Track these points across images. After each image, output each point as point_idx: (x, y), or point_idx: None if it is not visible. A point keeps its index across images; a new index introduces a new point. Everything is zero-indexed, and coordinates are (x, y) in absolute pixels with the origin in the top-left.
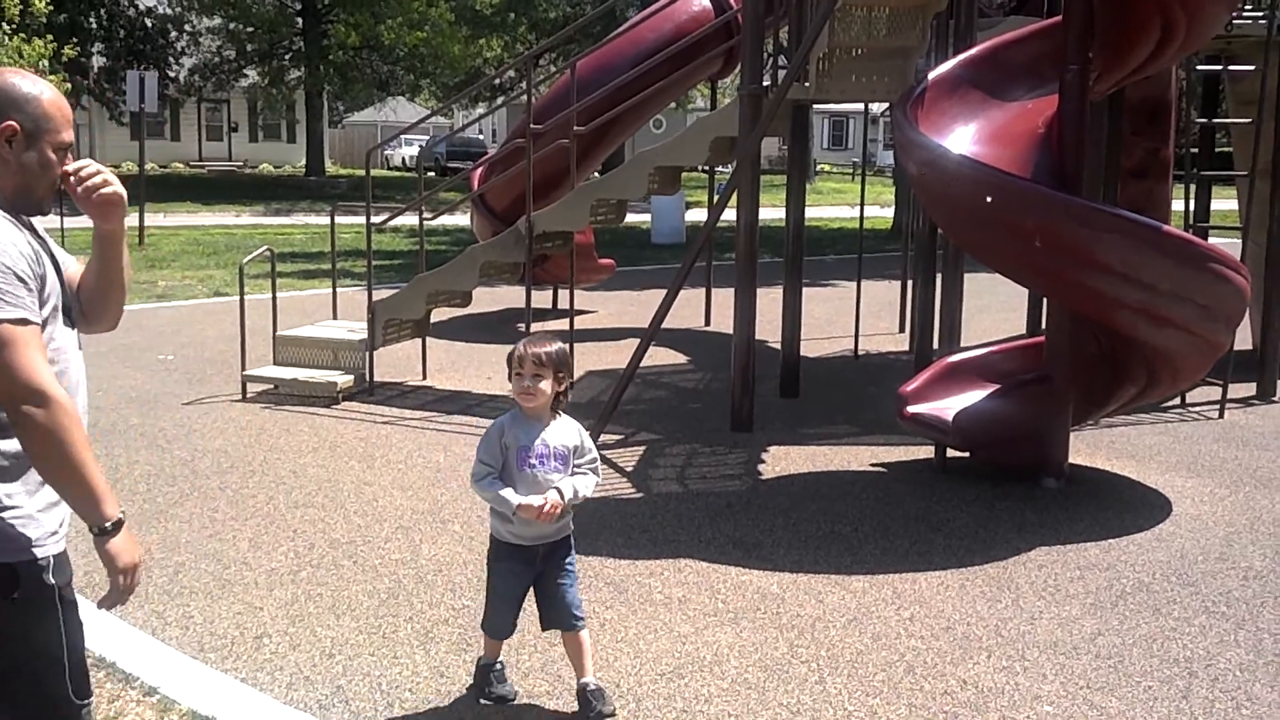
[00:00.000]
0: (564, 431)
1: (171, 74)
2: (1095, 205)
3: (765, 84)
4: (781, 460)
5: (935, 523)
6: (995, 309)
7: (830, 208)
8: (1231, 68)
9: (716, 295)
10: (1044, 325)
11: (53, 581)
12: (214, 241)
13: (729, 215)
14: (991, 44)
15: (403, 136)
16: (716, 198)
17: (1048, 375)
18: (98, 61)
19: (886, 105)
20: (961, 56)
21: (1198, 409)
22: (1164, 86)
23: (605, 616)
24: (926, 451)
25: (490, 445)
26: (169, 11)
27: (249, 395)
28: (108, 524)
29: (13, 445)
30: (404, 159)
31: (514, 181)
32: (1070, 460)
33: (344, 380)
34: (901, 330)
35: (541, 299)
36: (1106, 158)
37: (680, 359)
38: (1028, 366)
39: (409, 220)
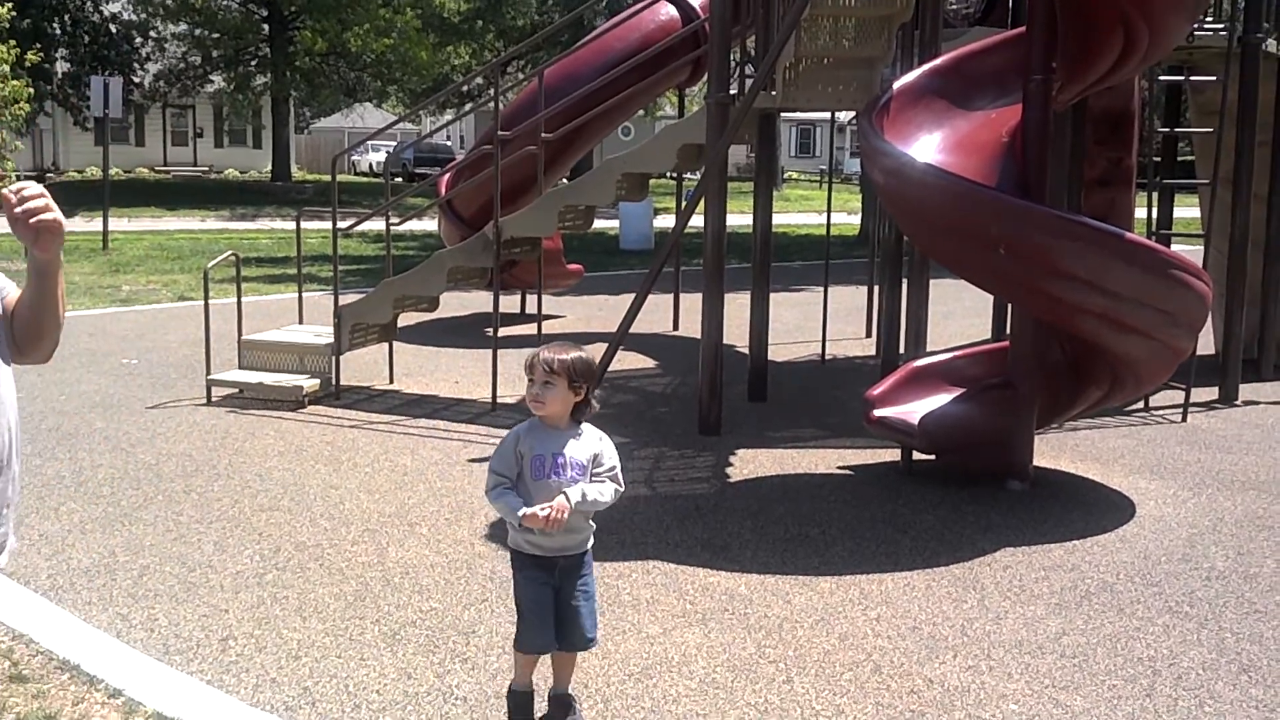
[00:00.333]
0: (583, 441)
1: (136, 80)
2: (1059, 213)
3: (733, 92)
4: (749, 463)
5: (902, 524)
6: (961, 314)
7: (798, 214)
8: (1193, 78)
9: (685, 300)
10: (1008, 330)
11: None
12: (179, 246)
13: (697, 221)
14: (956, 54)
15: (369, 142)
16: (684, 204)
17: (1012, 380)
18: (62, 67)
19: (853, 114)
20: (926, 66)
21: (1161, 412)
22: (1127, 96)
23: None
24: (893, 454)
25: (504, 455)
26: (134, 18)
27: (214, 399)
28: None
29: None
30: (371, 165)
31: (482, 187)
32: (1035, 463)
33: (310, 384)
34: (868, 335)
35: (510, 304)
36: (1070, 166)
37: (649, 363)
38: (993, 371)
39: (376, 225)
